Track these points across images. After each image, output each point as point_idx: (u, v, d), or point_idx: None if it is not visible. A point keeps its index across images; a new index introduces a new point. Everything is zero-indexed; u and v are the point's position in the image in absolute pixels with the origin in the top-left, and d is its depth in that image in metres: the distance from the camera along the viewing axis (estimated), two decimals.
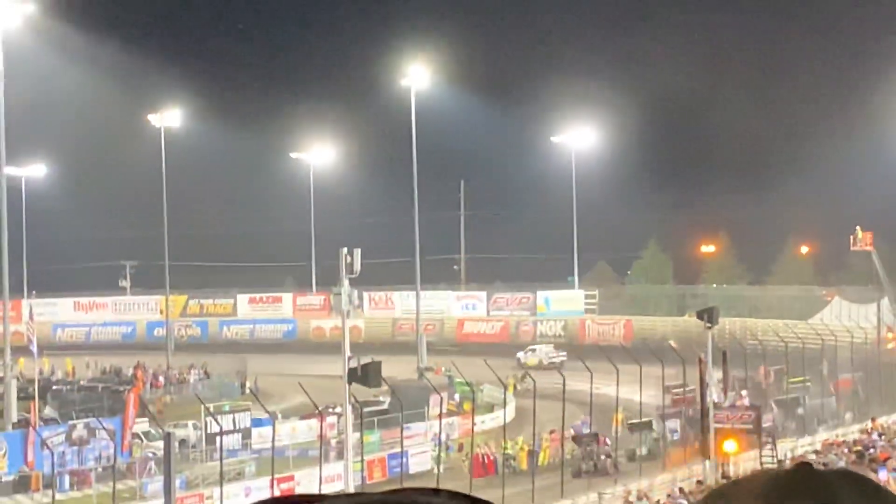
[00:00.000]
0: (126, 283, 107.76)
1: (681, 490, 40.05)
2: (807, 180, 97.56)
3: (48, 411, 60.78)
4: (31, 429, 49.82)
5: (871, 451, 39.27)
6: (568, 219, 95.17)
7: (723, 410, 47.31)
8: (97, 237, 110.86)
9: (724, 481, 1.76)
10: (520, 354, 79.54)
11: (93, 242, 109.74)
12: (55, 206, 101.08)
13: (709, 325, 47.81)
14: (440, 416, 50.73)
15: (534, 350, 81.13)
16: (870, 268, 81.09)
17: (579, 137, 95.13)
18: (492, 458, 50.70)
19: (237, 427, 53.40)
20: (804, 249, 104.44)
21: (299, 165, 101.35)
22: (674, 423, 53.03)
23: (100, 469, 47.59)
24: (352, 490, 36.24)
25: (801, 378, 59.56)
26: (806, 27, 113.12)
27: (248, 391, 69.58)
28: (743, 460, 46.39)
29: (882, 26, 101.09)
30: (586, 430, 50.81)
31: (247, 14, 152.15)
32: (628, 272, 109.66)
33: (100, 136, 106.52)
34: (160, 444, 45.52)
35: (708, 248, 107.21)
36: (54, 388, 69.34)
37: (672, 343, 66.22)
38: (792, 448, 49.37)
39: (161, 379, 76.71)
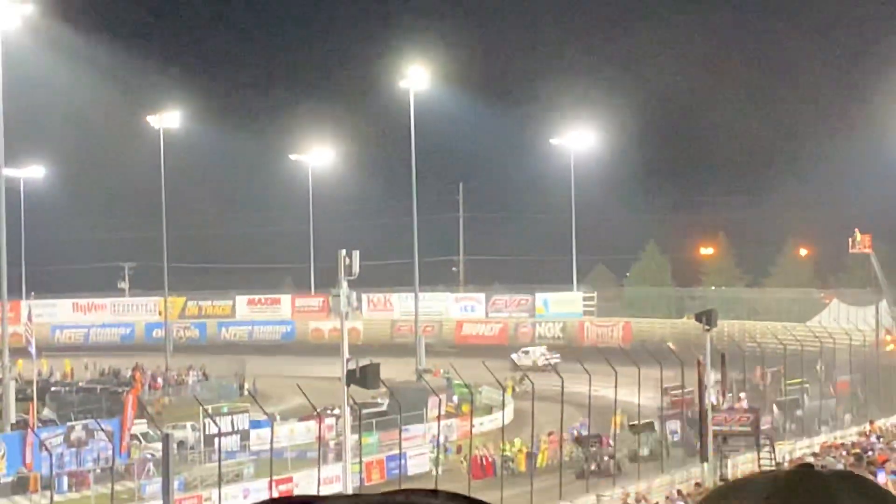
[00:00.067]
0: (125, 285, 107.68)
1: (679, 492, 40.00)
2: (805, 182, 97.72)
3: (46, 412, 60.66)
4: (29, 430, 49.67)
5: (870, 453, 39.16)
6: (567, 220, 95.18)
7: (721, 412, 47.34)
8: (96, 238, 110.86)
9: (723, 483, 1.75)
10: (513, 356, 79.50)
11: (91, 243, 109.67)
12: (54, 208, 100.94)
13: (707, 327, 47.69)
14: (439, 417, 50.61)
15: (527, 352, 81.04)
16: (868, 270, 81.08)
17: (578, 139, 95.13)
18: (490, 459, 50.68)
19: (236, 428, 53.31)
20: (803, 252, 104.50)
21: (298, 167, 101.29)
22: (674, 425, 53.07)
23: (98, 470, 47.50)
24: (350, 492, 36.19)
25: (799, 380, 59.52)
26: (806, 27, 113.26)
27: (246, 393, 69.53)
28: (741, 462, 46.39)
29: (882, 26, 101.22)
30: (585, 432, 50.78)
31: (247, 15, 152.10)
32: (627, 274, 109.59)
33: (99, 137, 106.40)
34: (159, 445, 45.53)
35: (706, 251, 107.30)
36: (53, 389, 69.20)
37: (670, 345, 66.20)
38: (790, 450, 49.33)
39: (160, 380, 76.65)
